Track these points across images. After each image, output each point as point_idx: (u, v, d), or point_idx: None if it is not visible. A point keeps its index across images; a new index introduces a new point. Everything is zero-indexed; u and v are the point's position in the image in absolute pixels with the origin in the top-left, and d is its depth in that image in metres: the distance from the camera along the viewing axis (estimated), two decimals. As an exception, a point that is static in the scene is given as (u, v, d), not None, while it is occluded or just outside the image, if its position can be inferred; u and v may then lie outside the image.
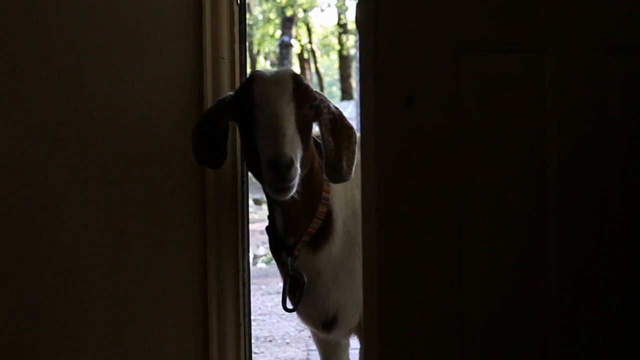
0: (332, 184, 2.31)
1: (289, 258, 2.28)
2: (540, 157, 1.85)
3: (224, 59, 2.28)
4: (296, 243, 2.28)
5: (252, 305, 2.56)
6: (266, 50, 20.25)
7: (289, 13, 17.25)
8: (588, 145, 1.87)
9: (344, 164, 2.22)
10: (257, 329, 4.97)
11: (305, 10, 18.75)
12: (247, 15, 3.15)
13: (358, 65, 1.95)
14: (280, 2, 17.21)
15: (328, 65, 27.90)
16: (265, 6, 18.41)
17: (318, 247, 2.31)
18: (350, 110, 15.23)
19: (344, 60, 20.82)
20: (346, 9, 19.51)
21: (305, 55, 21.39)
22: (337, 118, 2.26)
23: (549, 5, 1.85)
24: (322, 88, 24.30)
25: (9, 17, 2.21)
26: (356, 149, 2.26)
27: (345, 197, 2.38)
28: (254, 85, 2.16)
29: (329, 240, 2.31)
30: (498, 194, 1.84)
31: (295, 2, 17.41)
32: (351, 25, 19.08)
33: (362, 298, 1.89)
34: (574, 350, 1.89)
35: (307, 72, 21.14)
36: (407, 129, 1.79)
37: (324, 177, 2.28)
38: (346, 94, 20.14)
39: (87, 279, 2.25)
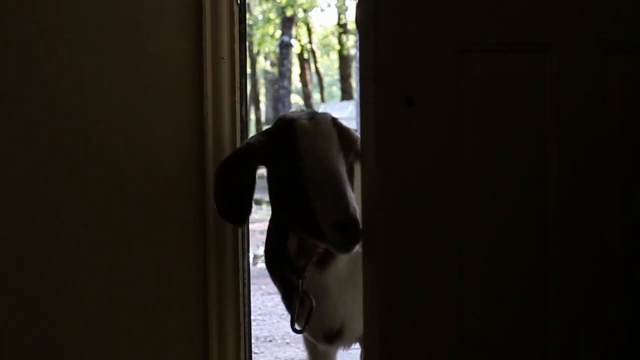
0: None
1: (300, 281, 2.25)
2: (541, 157, 1.85)
3: (224, 59, 2.27)
4: (306, 265, 2.26)
5: (252, 305, 2.56)
6: (266, 50, 20.26)
7: (289, 13, 17.26)
8: (588, 146, 1.87)
9: None
10: (257, 329, 4.97)
11: (305, 10, 18.76)
12: (247, 15, 3.15)
13: (358, 65, 1.94)
14: (280, 2, 17.21)
15: (328, 65, 27.92)
16: (265, 6, 18.41)
17: (325, 265, 2.28)
18: (350, 110, 15.23)
19: (344, 60, 20.83)
20: (346, 9, 19.54)
21: (305, 55, 21.41)
22: None
23: (549, 5, 1.85)
24: (322, 88, 24.32)
25: (9, 17, 2.21)
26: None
27: None
28: (298, 138, 2.07)
29: (335, 257, 2.29)
30: (498, 193, 1.84)
31: (295, 2, 17.41)
32: (351, 25, 19.08)
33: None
34: (574, 351, 1.89)
35: (307, 72, 21.16)
36: (407, 129, 1.79)
37: None
38: (346, 94, 20.15)
39: (87, 279, 2.25)
